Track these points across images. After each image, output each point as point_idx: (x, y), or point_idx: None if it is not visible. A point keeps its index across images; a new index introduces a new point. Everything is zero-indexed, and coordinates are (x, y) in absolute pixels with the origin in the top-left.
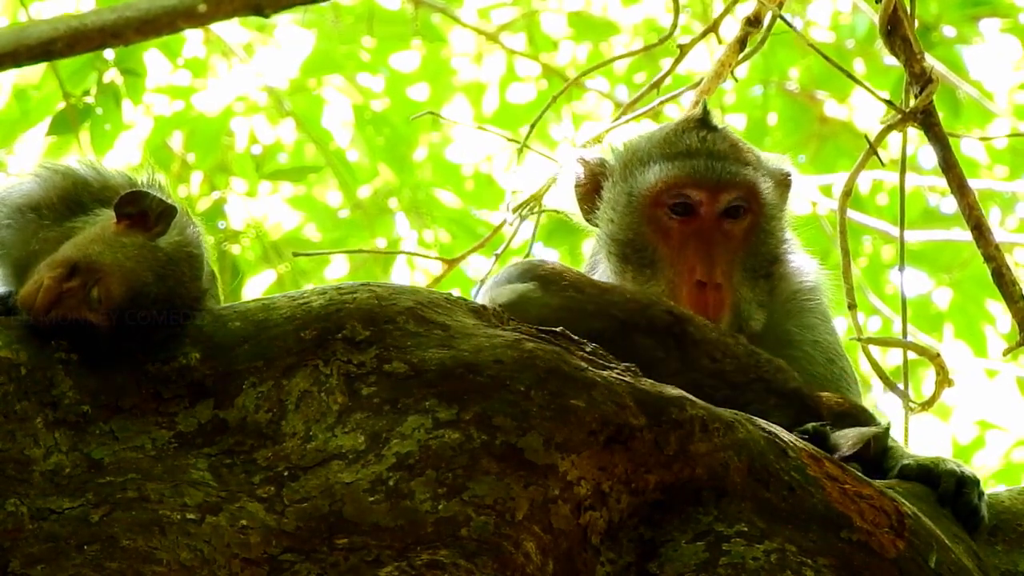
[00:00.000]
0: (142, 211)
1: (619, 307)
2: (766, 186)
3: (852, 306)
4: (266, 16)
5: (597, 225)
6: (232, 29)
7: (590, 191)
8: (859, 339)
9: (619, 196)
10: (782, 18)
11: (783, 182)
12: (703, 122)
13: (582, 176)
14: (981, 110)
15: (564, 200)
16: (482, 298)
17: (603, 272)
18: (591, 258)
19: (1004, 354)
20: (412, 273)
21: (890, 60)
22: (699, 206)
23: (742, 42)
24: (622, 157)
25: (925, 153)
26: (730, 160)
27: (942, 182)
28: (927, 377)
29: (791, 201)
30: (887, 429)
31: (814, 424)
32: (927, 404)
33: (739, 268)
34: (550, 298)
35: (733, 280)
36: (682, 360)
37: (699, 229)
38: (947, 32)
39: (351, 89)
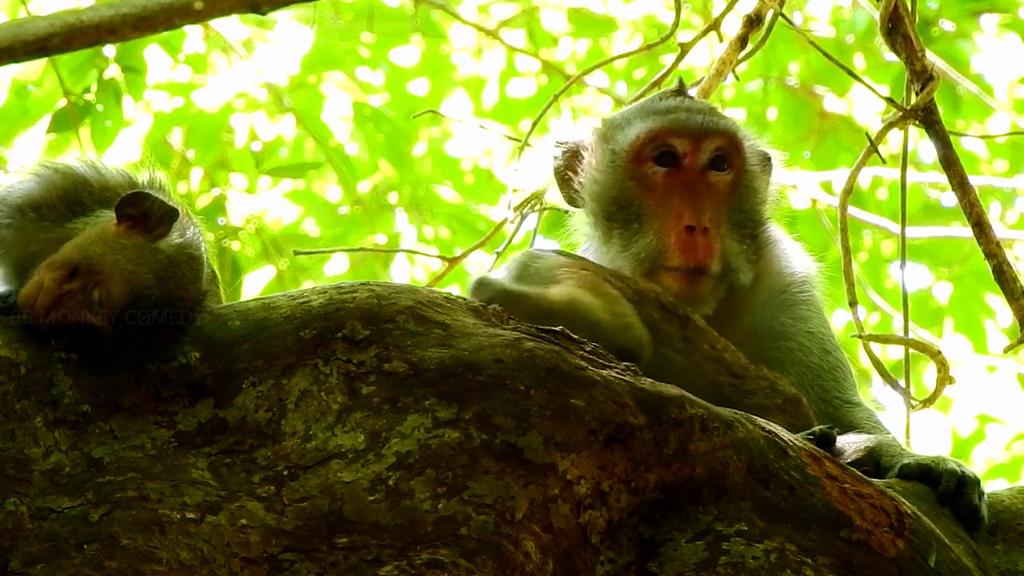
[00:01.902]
0: (143, 213)
1: (630, 281)
2: (748, 142)
3: (853, 303)
4: (262, 13)
5: (580, 205)
6: (232, 25)
7: (570, 171)
8: (860, 336)
9: (602, 157)
10: (783, 17)
11: (764, 160)
12: (678, 92)
13: (560, 158)
14: (981, 105)
15: (548, 184)
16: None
17: (588, 247)
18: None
19: (1005, 351)
20: (412, 269)
21: (890, 55)
22: (683, 157)
23: (743, 40)
24: (600, 128)
25: (925, 147)
26: (711, 114)
27: (942, 178)
28: (927, 370)
29: (773, 182)
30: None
31: (821, 427)
32: (928, 401)
33: (725, 221)
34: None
35: (720, 230)
36: (685, 340)
37: (684, 181)
38: (946, 26)
39: (351, 85)
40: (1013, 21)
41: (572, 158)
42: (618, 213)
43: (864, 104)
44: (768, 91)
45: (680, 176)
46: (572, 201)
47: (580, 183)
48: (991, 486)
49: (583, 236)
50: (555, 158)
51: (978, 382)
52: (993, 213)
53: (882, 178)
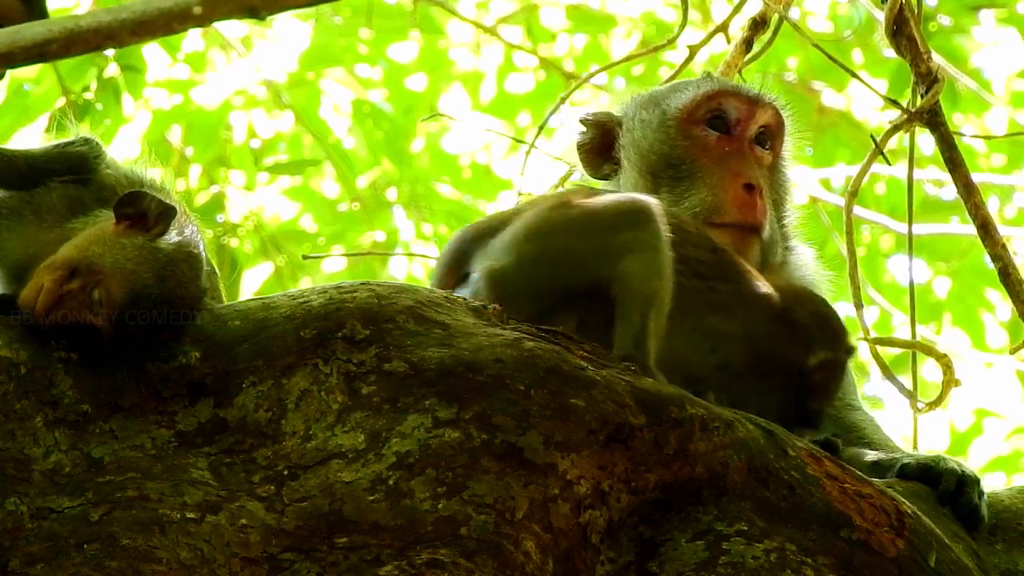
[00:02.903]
0: (141, 212)
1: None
2: (789, 124)
3: (859, 305)
4: (261, 19)
5: (607, 177)
6: (230, 23)
7: (598, 147)
8: (867, 339)
9: (650, 119)
10: (788, 20)
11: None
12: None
13: (587, 134)
14: (979, 99)
15: (573, 160)
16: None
17: None
18: None
19: (1012, 352)
20: (410, 266)
21: (889, 51)
22: (735, 124)
23: (748, 43)
24: (645, 95)
25: (924, 141)
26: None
27: (941, 173)
28: (926, 362)
29: None
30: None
31: (827, 435)
32: (934, 404)
33: (768, 197)
34: None
35: (767, 200)
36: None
37: (736, 147)
38: (944, 21)
39: (350, 80)
40: (1011, 16)
41: (601, 129)
42: (666, 171)
43: (863, 100)
44: (766, 87)
45: (731, 142)
46: (597, 173)
47: (620, 147)
48: (990, 480)
49: None
50: (580, 134)
51: (976, 377)
52: (991, 208)
53: (880, 174)
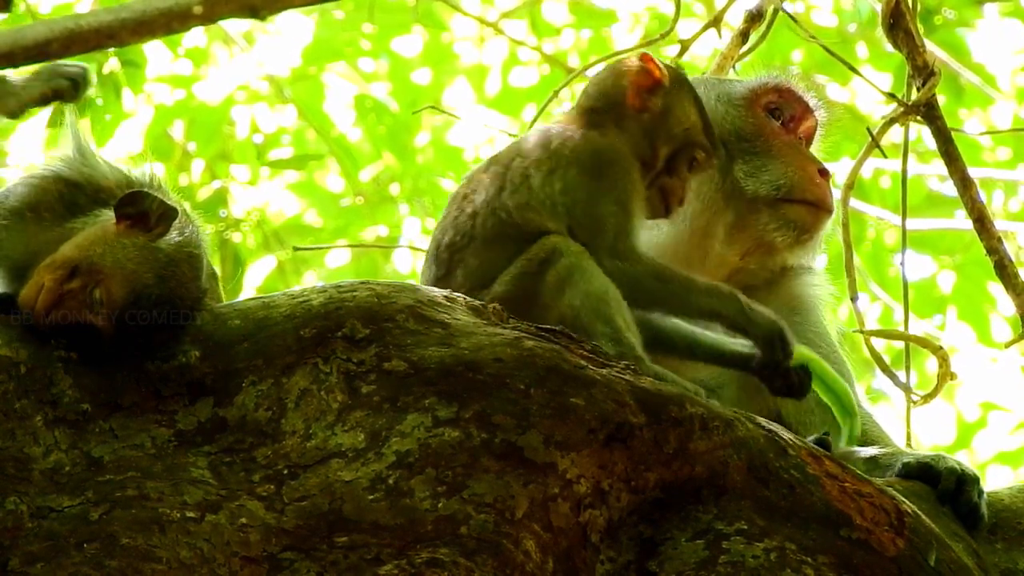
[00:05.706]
0: (143, 212)
1: None
2: (819, 134)
3: (854, 298)
4: (261, 19)
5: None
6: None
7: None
8: (861, 332)
9: (716, 94)
10: (785, 12)
11: None
12: None
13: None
14: (984, 94)
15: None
16: None
17: None
18: None
19: (1005, 346)
20: (414, 261)
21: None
22: (790, 120)
23: (744, 35)
24: (697, 77)
25: (927, 135)
26: None
27: (944, 169)
28: (929, 357)
29: None
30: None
31: (817, 434)
32: (929, 397)
33: None
34: None
35: None
36: None
37: (794, 141)
38: (948, 15)
39: (353, 75)
40: (1015, 9)
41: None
42: (739, 143)
43: (866, 94)
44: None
45: (788, 135)
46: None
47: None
48: (995, 474)
49: None
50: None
51: (981, 370)
52: (996, 202)
53: (884, 169)
